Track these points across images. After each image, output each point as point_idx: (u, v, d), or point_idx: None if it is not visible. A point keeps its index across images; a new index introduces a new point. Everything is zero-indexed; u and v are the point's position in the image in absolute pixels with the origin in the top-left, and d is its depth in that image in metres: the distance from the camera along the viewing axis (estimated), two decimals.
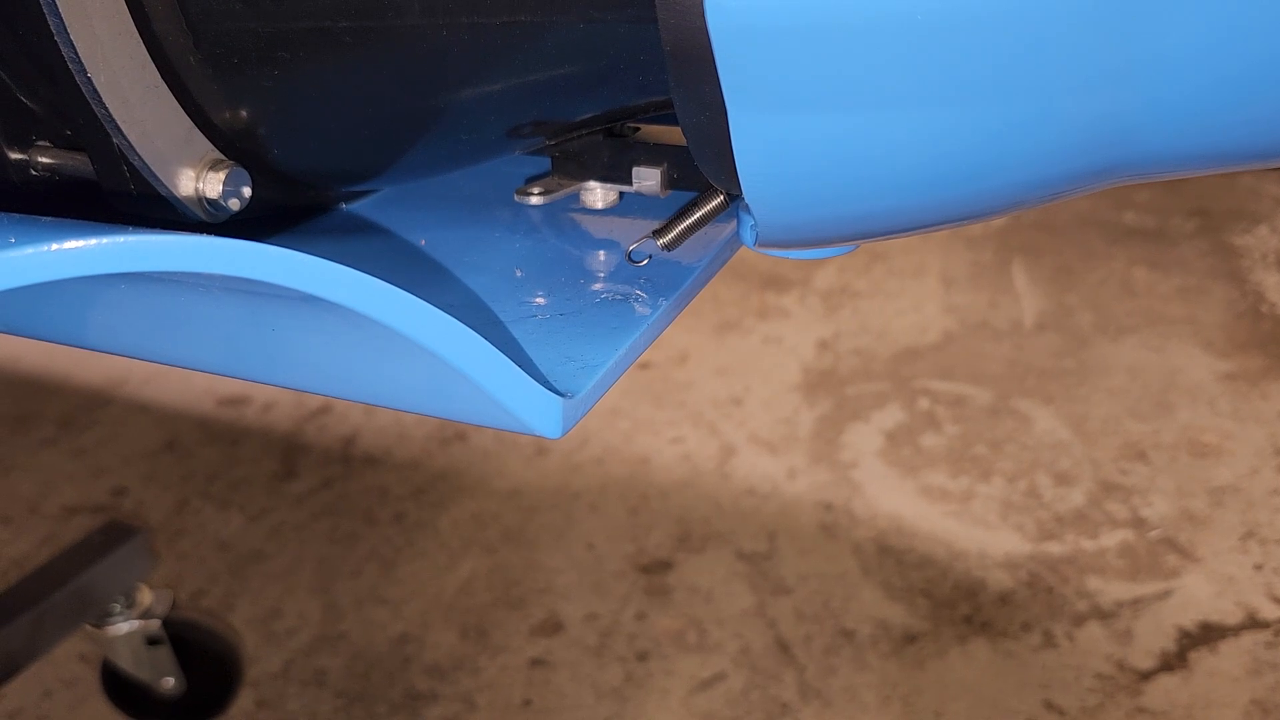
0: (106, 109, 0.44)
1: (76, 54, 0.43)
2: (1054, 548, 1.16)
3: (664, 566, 1.16)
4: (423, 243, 0.55)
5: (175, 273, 0.36)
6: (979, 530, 1.19)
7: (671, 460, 1.31)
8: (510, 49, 0.44)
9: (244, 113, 0.47)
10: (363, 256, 0.53)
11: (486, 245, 0.55)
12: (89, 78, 0.43)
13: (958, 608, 1.10)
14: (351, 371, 0.45)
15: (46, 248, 0.31)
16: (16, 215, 0.40)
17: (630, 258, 0.52)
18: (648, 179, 0.53)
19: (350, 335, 0.42)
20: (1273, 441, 1.29)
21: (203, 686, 1.01)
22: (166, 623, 0.98)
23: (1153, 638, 1.05)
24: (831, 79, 0.35)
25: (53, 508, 1.30)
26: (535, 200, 0.58)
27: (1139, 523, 1.19)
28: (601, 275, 0.52)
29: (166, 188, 0.45)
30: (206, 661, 1.00)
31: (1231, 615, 1.07)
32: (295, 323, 0.43)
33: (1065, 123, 0.37)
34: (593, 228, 0.57)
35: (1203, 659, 1.03)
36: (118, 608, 0.96)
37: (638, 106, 0.49)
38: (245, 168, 0.47)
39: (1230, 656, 1.03)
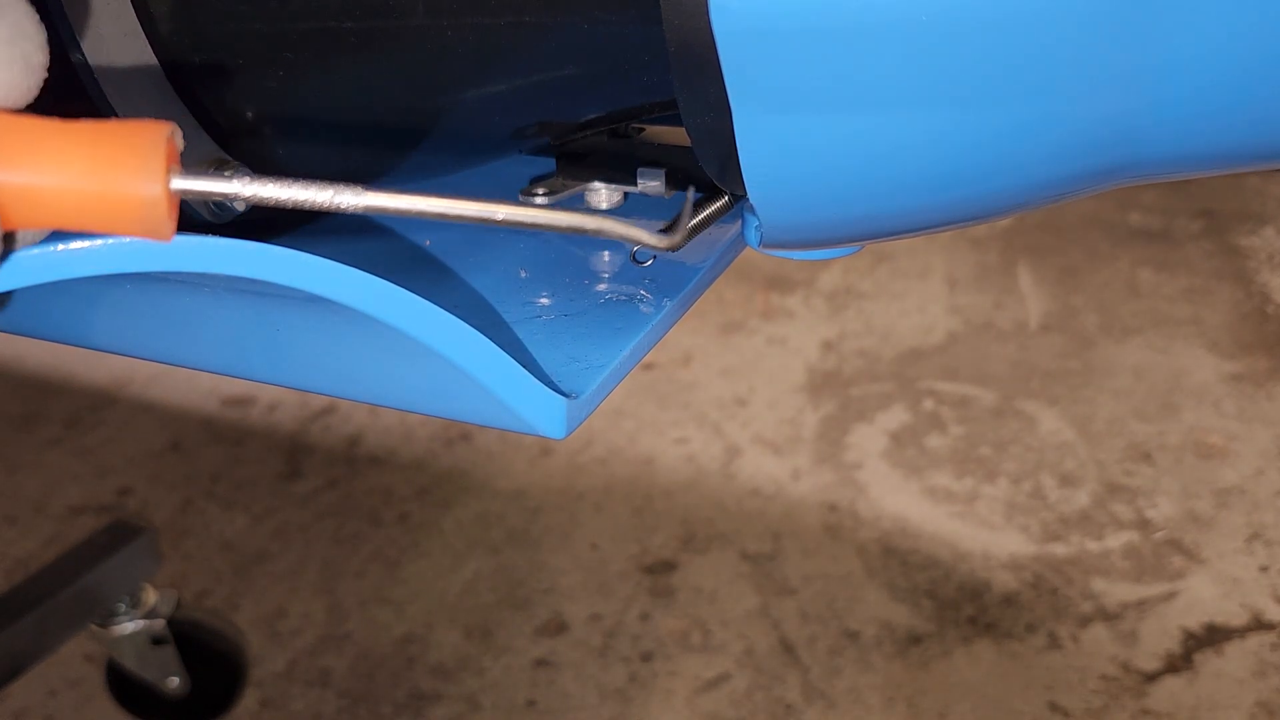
0: (112, 109, 0.44)
1: (83, 54, 0.43)
2: (1059, 549, 1.16)
3: (668, 567, 1.16)
4: (428, 243, 0.55)
5: (180, 273, 0.36)
6: (984, 531, 1.18)
7: (676, 461, 1.31)
8: (515, 50, 0.44)
9: (249, 113, 0.47)
10: (367, 257, 0.53)
11: (491, 246, 0.55)
12: (95, 78, 0.43)
13: (962, 609, 1.10)
14: (356, 372, 0.45)
15: (53, 248, 0.31)
16: None
17: (635, 258, 0.52)
18: (652, 179, 0.52)
19: (355, 335, 0.42)
20: (1278, 443, 1.29)
21: (207, 686, 1.01)
22: (171, 622, 0.98)
23: (1158, 639, 1.05)
24: (836, 80, 0.35)
25: (58, 507, 1.30)
26: (540, 201, 0.57)
27: (1144, 524, 1.19)
28: (606, 276, 0.52)
29: None
30: (211, 661, 1.01)
31: (1237, 617, 1.07)
32: (300, 323, 0.43)
33: (1071, 124, 0.37)
34: None
35: (1208, 661, 1.03)
36: (123, 607, 0.96)
37: (642, 107, 0.49)
38: (250, 168, 0.47)
39: (1236, 658, 1.03)
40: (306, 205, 0.29)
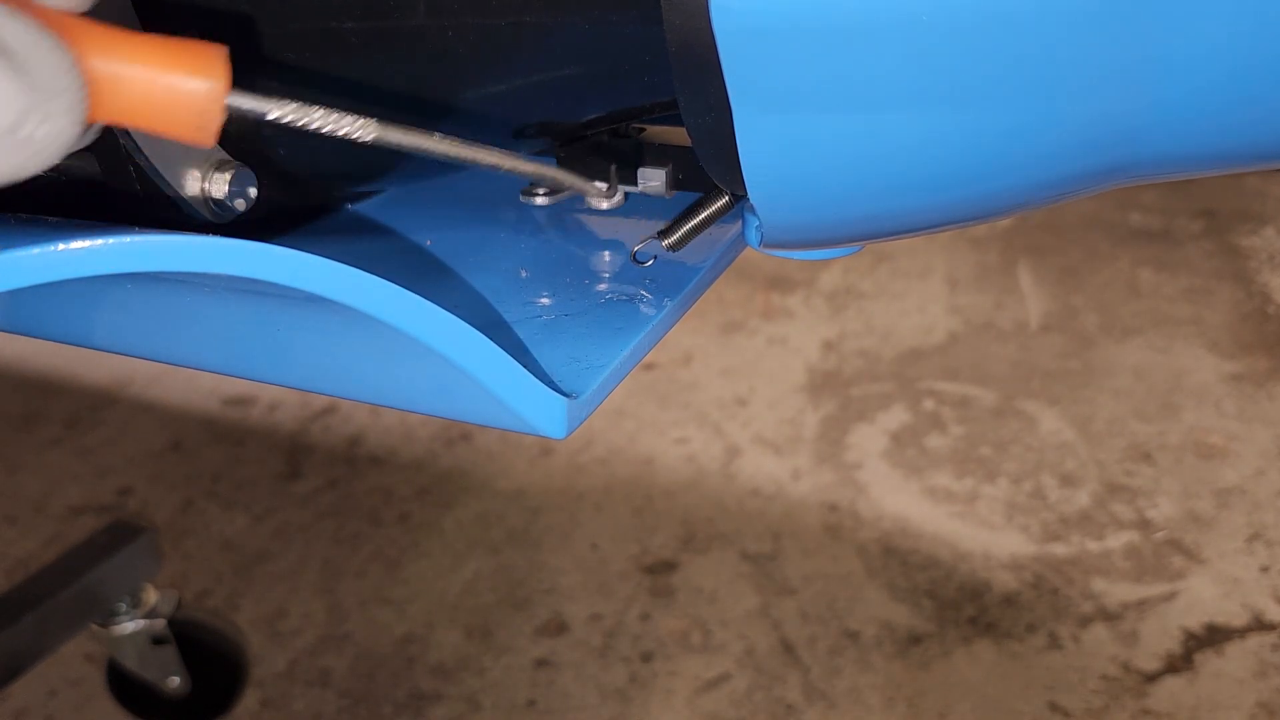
0: None
1: None
2: (1059, 549, 1.16)
3: (668, 567, 1.16)
4: (428, 243, 0.55)
5: (181, 273, 0.36)
6: (984, 531, 1.18)
7: (676, 461, 1.31)
8: (516, 50, 0.44)
9: None
10: (368, 257, 0.53)
11: (492, 246, 0.55)
12: None
13: (962, 609, 1.10)
14: (357, 371, 0.45)
15: (53, 248, 0.31)
16: (23, 215, 0.41)
17: (635, 258, 0.52)
18: (653, 180, 0.53)
19: (356, 335, 0.42)
20: (1279, 443, 1.29)
21: (208, 686, 1.01)
22: (172, 622, 0.98)
23: (1158, 639, 1.05)
24: (836, 79, 0.35)
25: (58, 507, 1.30)
26: (540, 201, 0.58)
27: (1144, 524, 1.19)
28: (606, 276, 0.52)
29: (172, 188, 0.45)
30: (211, 661, 1.01)
31: (1237, 617, 1.07)
32: (301, 323, 0.43)
33: (1071, 123, 0.37)
34: (598, 228, 0.57)
35: (1208, 661, 1.03)
36: (123, 607, 0.96)
37: (643, 107, 0.50)
38: (251, 168, 0.47)
39: (1236, 659, 1.03)
40: (334, 131, 0.35)
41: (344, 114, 0.35)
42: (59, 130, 0.27)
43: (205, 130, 0.32)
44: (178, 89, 0.31)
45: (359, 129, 0.35)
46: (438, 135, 0.38)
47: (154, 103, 0.31)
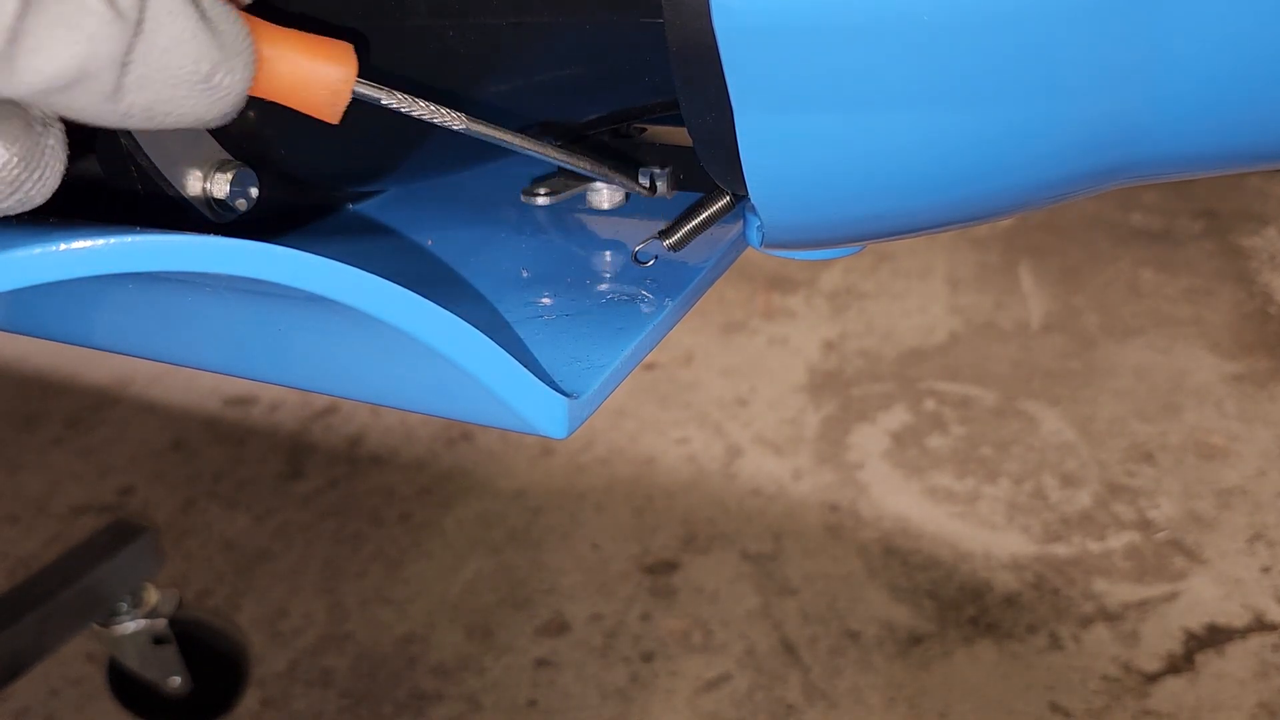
0: None
1: None
2: (1060, 549, 1.16)
3: (669, 567, 1.16)
4: (429, 243, 0.55)
5: (182, 273, 0.36)
6: (985, 531, 1.18)
7: (677, 461, 1.31)
8: (518, 50, 0.44)
9: (251, 113, 0.47)
10: (369, 257, 0.53)
11: (493, 246, 0.55)
12: None
13: (963, 609, 1.10)
14: (358, 371, 0.45)
15: (54, 248, 0.31)
16: (24, 215, 0.40)
17: (636, 258, 0.52)
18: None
19: (357, 335, 0.42)
20: None
21: (209, 686, 1.01)
22: (173, 622, 0.98)
23: (1159, 640, 1.05)
24: (837, 79, 0.35)
25: (60, 507, 1.30)
26: (541, 201, 0.57)
27: (1145, 524, 1.19)
28: (607, 276, 0.52)
29: (174, 188, 0.45)
30: (212, 661, 1.01)
31: (1238, 618, 1.07)
32: (302, 323, 0.43)
33: (1073, 123, 0.37)
34: (599, 228, 0.57)
35: (1209, 661, 1.03)
36: (124, 607, 0.96)
37: (644, 107, 0.50)
38: (252, 168, 0.47)
39: (1237, 659, 1.03)
40: (431, 120, 0.40)
41: (440, 107, 0.40)
42: (237, 81, 0.34)
43: (336, 109, 0.37)
44: (319, 74, 0.37)
45: (451, 120, 0.40)
46: (516, 132, 0.43)
47: (300, 83, 0.36)
